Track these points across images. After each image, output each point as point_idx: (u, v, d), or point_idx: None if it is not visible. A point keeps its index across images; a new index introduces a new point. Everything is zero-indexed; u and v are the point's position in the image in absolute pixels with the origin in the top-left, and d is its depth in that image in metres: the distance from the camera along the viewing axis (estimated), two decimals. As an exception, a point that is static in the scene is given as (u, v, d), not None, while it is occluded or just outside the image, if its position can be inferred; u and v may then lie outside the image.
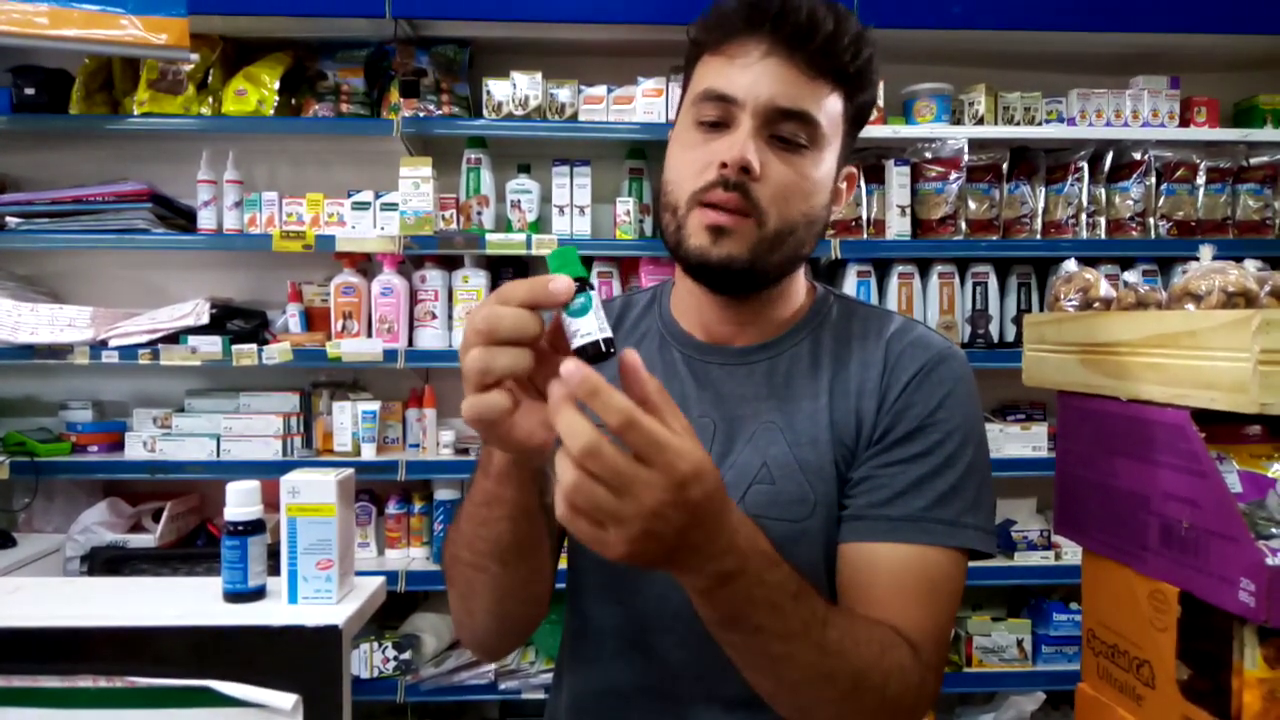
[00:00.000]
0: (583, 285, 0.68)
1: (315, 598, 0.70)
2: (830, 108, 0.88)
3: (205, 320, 2.36)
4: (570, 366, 0.59)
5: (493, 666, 2.42)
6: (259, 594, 0.72)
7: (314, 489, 0.70)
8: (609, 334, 0.67)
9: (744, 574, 0.68)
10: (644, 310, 1.05)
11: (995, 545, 0.90)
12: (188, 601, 0.73)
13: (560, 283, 0.65)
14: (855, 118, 0.93)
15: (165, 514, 2.39)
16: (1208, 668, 0.92)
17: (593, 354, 0.66)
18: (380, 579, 0.77)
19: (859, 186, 2.47)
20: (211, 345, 2.33)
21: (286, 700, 0.65)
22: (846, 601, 0.88)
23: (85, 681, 0.66)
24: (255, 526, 0.71)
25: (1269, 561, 0.82)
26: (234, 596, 0.71)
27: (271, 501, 2.30)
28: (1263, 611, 0.81)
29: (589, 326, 0.66)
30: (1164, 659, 0.94)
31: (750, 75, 0.86)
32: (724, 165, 0.85)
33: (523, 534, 0.81)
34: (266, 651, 0.67)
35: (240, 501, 0.71)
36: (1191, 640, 0.93)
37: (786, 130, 0.87)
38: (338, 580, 0.71)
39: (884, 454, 0.90)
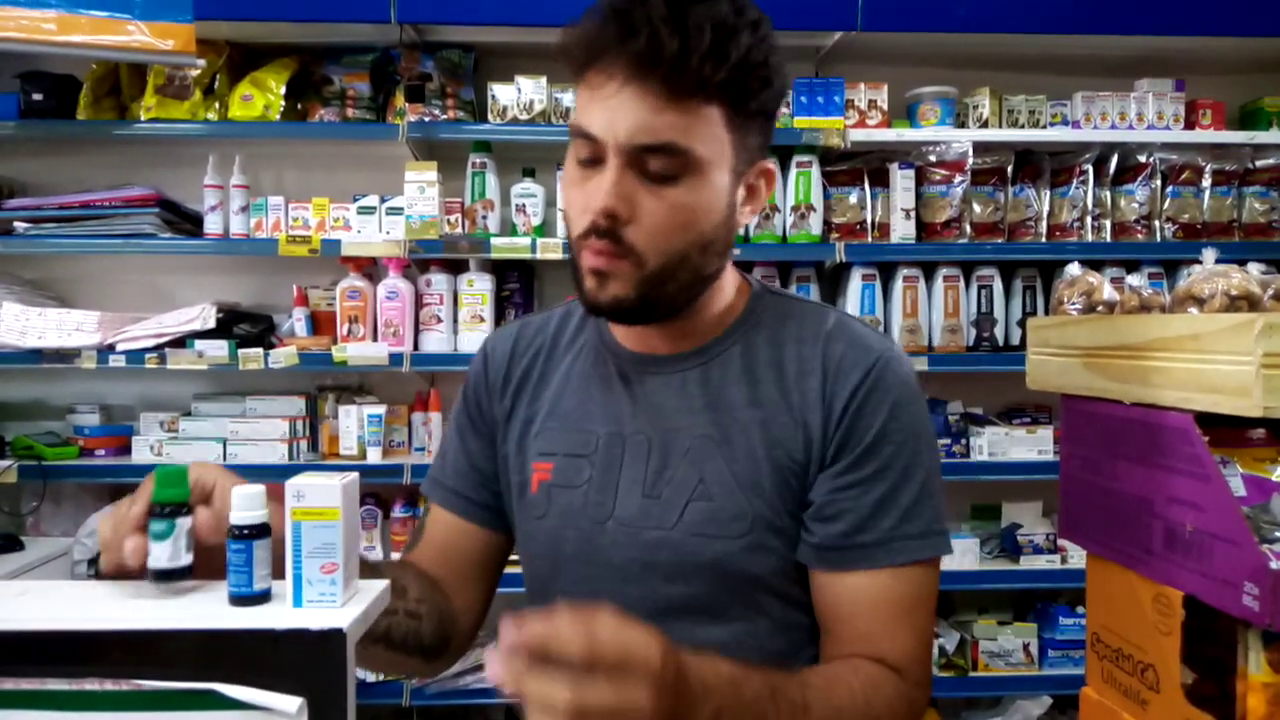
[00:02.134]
0: (176, 510, 0.73)
1: (320, 601, 0.71)
2: (705, 125, 0.83)
3: (212, 324, 2.37)
4: (508, 636, 0.61)
5: (498, 670, 2.43)
6: (264, 597, 0.72)
7: (318, 493, 0.71)
8: (184, 563, 0.73)
9: (728, 706, 0.71)
10: (581, 322, 1.04)
11: (949, 541, 0.92)
12: (193, 605, 0.74)
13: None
14: (750, 119, 0.87)
15: (172, 517, 2.40)
16: (1212, 672, 0.92)
17: (166, 577, 0.73)
18: (384, 582, 0.77)
19: (864, 189, 2.47)
20: (218, 349, 2.34)
21: (291, 703, 0.65)
22: (828, 631, 0.90)
23: (92, 684, 0.66)
24: (260, 530, 0.72)
25: (1273, 565, 0.82)
26: (239, 600, 0.71)
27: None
28: (1267, 615, 0.81)
29: (163, 553, 0.72)
30: (1168, 663, 0.94)
31: (608, 111, 0.81)
32: (592, 208, 0.83)
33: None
34: (271, 655, 0.67)
35: (245, 506, 0.71)
36: (1196, 644, 0.93)
37: (654, 166, 0.82)
38: (342, 584, 0.71)
39: (843, 475, 0.89)
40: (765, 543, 0.89)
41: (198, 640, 0.67)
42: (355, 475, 0.74)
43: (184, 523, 0.74)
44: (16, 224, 2.35)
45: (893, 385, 0.90)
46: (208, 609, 0.71)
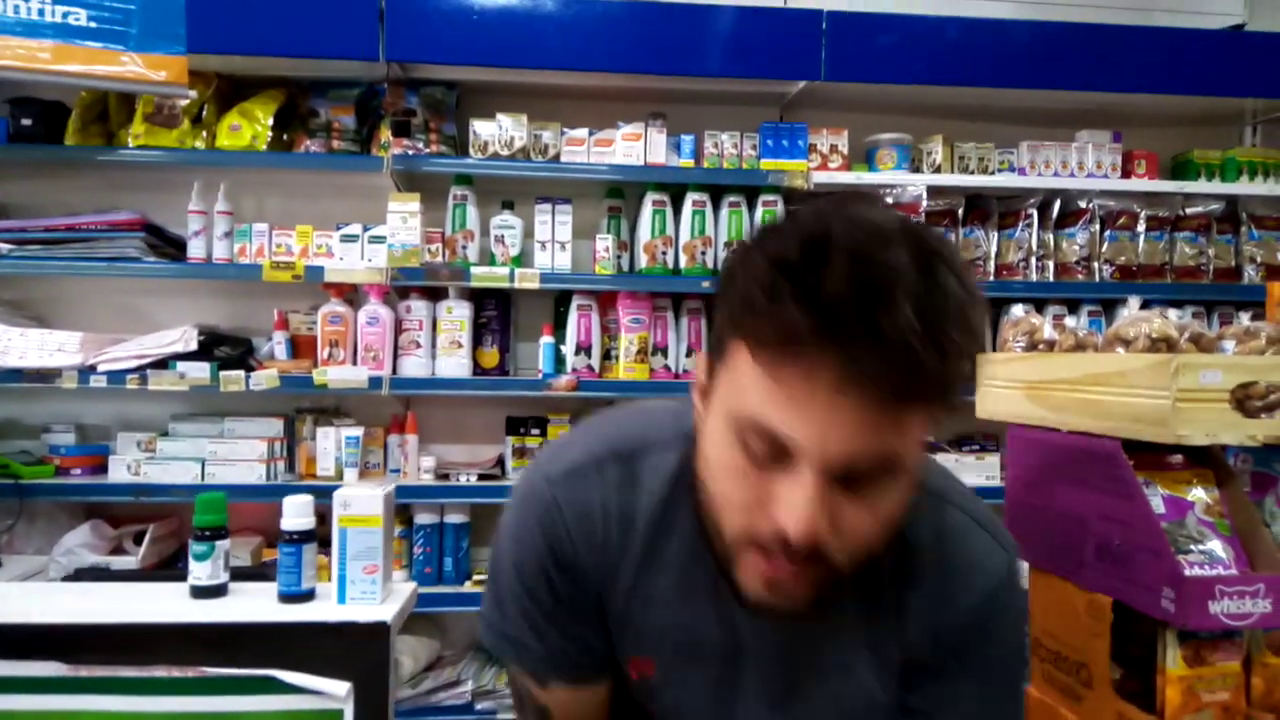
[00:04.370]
0: (216, 534, 0.84)
1: (362, 598, 0.79)
2: (917, 428, 0.69)
3: (194, 347, 2.42)
4: None
5: (470, 687, 2.49)
6: (310, 595, 0.80)
7: (363, 502, 0.80)
8: (222, 580, 0.84)
9: None
10: (673, 490, 0.84)
11: None
12: (246, 603, 0.82)
13: None
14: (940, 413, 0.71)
15: (148, 536, 2.43)
16: (1137, 668, 1.04)
17: (206, 593, 0.83)
18: (412, 584, 0.86)
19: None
20: (200, 371, 2.39)
21: (340, 688, 0.74)
22: None
23: (160, 672, 0.74)
24: (308, 535, 0.80)
25: (1187, 573, 0.95)
26: (289, 598, 0.80)
27: (252, 525, 2.34)
28: (1181, 616, 0.94)
29: (204, 571, 0.83)
30: (1099, 661, 1.06)
31: (817, 418, 0.65)
32: (783, 531, 0.68)
33: None
34: (322, 645, 0.76)
35: (296, 513, 0.80)
36: (1123, 644, 1.05)
37: (863, 473, 0.68)
38: (381, 583, 0.80)
39: (946, 688, 0.84)
40: None
41: (256, 632, 0.76)
42: (393, 487, 0.83)
43: (222, 545, 0.82)
44: (1, 245, 2.38)
45: (1007, 611, 0.85)
46: (261, 605, 0.79)
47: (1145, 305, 1.25)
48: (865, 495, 0.69)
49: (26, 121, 2.40)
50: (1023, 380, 1.23)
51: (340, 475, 2.48)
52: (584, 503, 0.83)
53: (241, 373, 2.41)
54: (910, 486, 0.73)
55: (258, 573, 1.71)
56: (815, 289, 0.61)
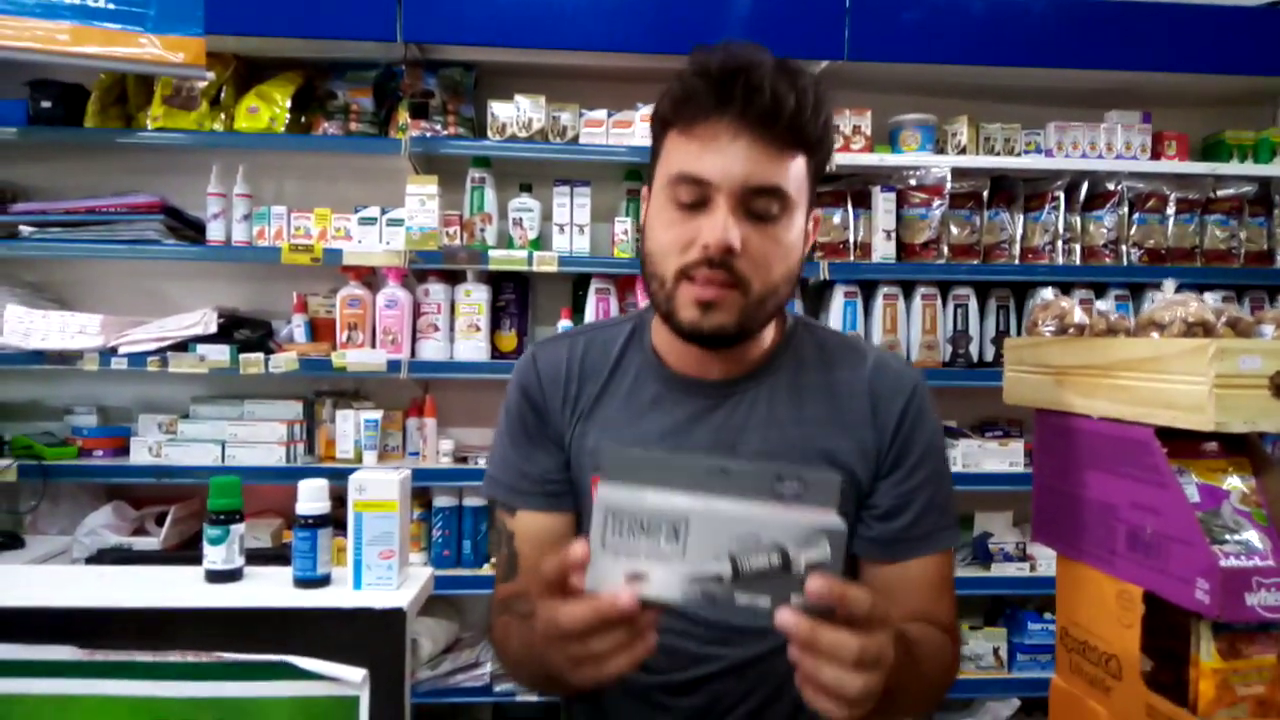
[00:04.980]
0: (230, 518, 0.83)
1: (378, 584, 0.78)
2: (796, 173, 0.95)
3: (213, 329, 2.43)
4: (815, 586, 0.66)
5: (488, 669, 2.49)
6: (325, 581, 0.79)
7: (379, 487, 0.78)
8: (237, 564, 0.83)
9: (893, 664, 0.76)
10: (627, 344, 1.12)
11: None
12: (261, 587, 0.81)
13: (578, 549, 0.68)
14: (817, 171, 1.00)
15: (169, 518, 2.44)
16: (1168, 660, 1.01)
17: (221, 577, 0.83)
18: (429, 569, 0.85)
19: (847, 210, 2.57)
20: (220, 354, 2.39)
21: (356, 674, 0.73)
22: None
23: (175, 656, 0.73)
24: (324, 520, 0.79)
25: (1222, 564, 0.92)
26: (304, 583, 0.79)
27: (273, 507, 2.35)
28: (1216, 608, 0.91)
29: (219, 556, 0.83)
30: (1129, 653, 1.03)
31: (723, 158, 0.92)
32: (707, 246, 0.92)
33: None
34: (338, 631, 0.75)
35: (311, 497, 0.78)
36: (1154, 636, 1.02)
37: (760, 206, 0.93)
38: (397, 568, 0.79)
39: (902, 483, 1.06)
40: None
41: (272, 617, 0.75)
42: (409, 471, 0.81)
43: (237, 529, 0.81)
44: (23, 228, 2.39)
45: (927, 406, 1.09)
46: (276, 590, 0.79)
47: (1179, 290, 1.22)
48: (765, 228, 0.94)
49: (46, 104, 2.40)
50: (1052, 365, 1.20)
51: (360, 458, 2.48)
52: (555, 356, 1.11)
53: (261, 355, 2.41)
54: (796, 235, 0.98)
55: (278, 554, 1.72)
56: (706, 67, 0.92)
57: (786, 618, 0.66)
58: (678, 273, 0.95)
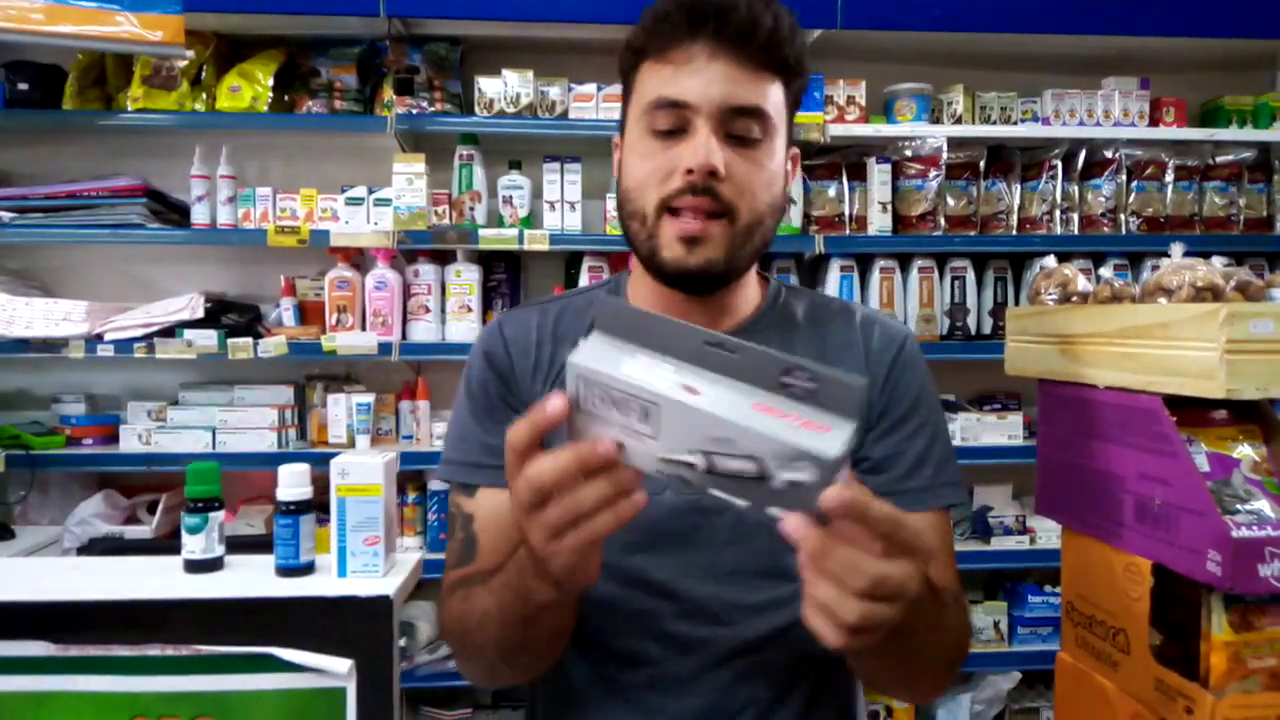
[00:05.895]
0: (209, 505, 0.80)
1: (363, 571, 0.75)
2: (775, 98, 0.93)
3: (200, 314, 2.39)
4: (835, 495, 0.55)
5: (486, 653, 2.48)
6: (309, 569, 0.77)
7: (362, 471, 0.75)
8: (217, 553, 0.80)
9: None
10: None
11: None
12: (242, 577, 0.78)
13: (555, 403, 0.62)
14: (794, 102, 0.98)
15: (160, 506, 2.42)
16: (1178, 634, 0.99)
17: (200, 567, 0.80)
18: (418, 554, 0.82)
19: (842, 183, 2.54)
20: (207, 339, 2.36)
21: (342, 665, 0.70)
22: None
23: (154, 650, 0.70)
24: (305, 506, 0.76)
25: (1234, 534, 0.89)
26: (286, 571, 0.76)
27: (265, 494, 2.33)
28: (1228, 580, 0.89)
29: (197, 545, 0.81)
30: (1138, 627, 1.01)
31: (701, 79, 0.89)
32: (689, 171, 0.88)
33: (561, 629, 0.83)
34: (322, 621, 0.72)
35: (292, 483, 0.76)
36: (1163, 609, 1.00)
37: (740, 128, 0.90)
38: (383, 555, 0.76)
39: (889, 434, 1.00)
40: None
41: (253, 608, 0.72)
42: (395, 454, 0.78)
43: (216, 516, 0.78)
44: (2, 214, 2.34)
45: (917, 358, 1.04)
46: (258, 579, 0.76)
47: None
48: (747, 151, 0.91)
49: (23, 86, 2.35)
50: (1056, 334, 1.18)
51: (352, 442, 2.45)
52: (524, 323, 1.05)
53: (249, 340, 2.37)
54: (779, 162, 0.95)
55: (269, 540, 1.69)
56: None
57: (794, 525, 0.57)
58: (659, 206, 0.91)
